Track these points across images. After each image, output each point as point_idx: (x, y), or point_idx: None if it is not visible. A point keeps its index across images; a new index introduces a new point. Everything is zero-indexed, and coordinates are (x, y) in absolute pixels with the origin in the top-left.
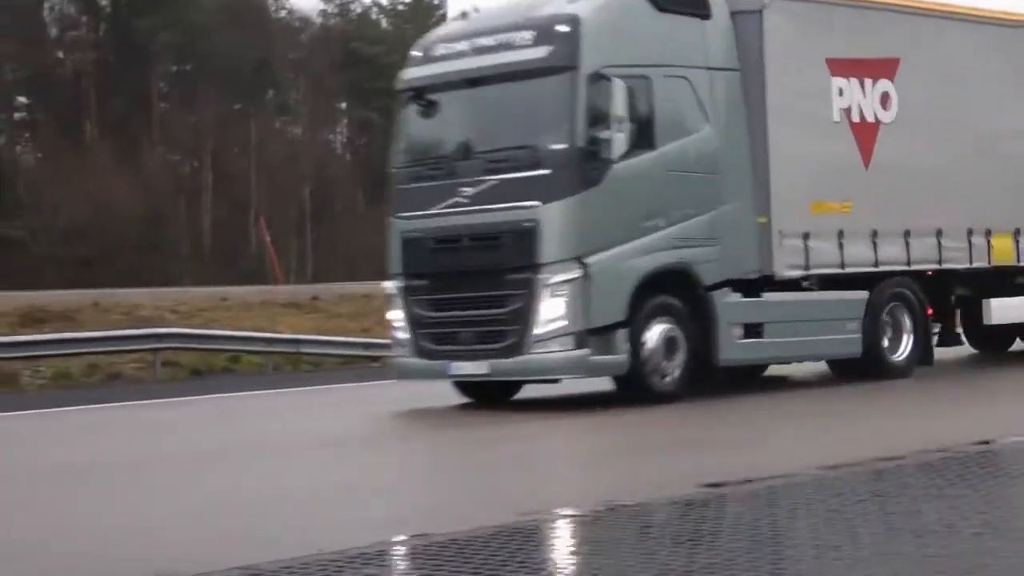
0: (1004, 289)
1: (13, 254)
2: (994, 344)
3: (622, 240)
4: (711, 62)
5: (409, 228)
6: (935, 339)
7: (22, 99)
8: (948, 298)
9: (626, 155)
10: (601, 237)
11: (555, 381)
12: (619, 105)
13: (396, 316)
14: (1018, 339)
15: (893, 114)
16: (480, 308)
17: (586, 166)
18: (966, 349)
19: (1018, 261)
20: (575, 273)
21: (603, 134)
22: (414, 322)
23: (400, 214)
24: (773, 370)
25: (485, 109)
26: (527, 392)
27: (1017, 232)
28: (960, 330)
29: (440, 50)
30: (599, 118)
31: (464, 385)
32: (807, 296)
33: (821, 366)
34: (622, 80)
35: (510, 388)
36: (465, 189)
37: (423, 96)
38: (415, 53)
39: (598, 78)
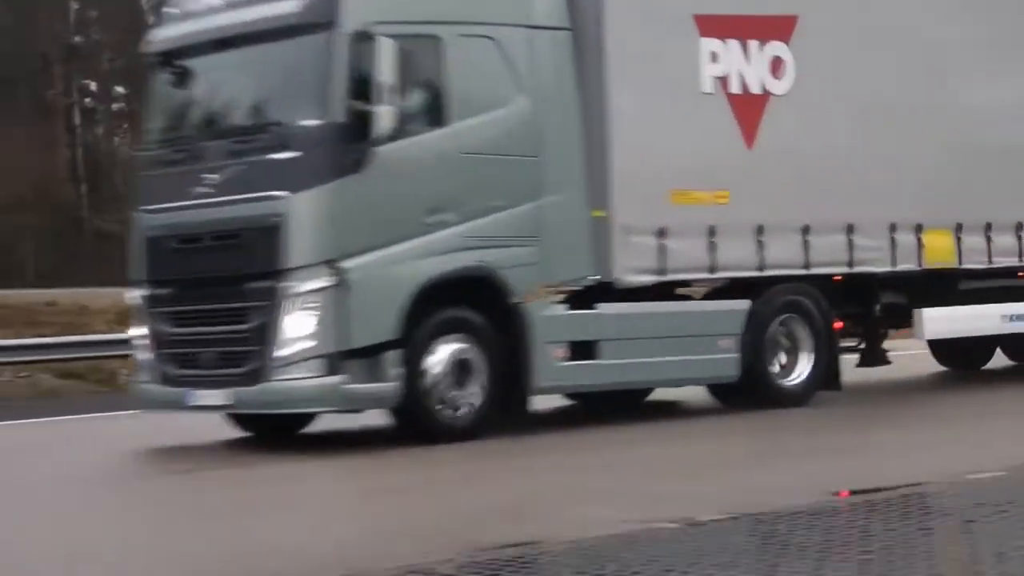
0: (945, 296)
1: (111, 247)
2: (967, 361)
3: (396, 239)
4: (531, 19)
5: (153, 224)
6: (859, 358)
7: (120, 89)
8: (872, 308)
9: (403, 134)
10: (365, 235)
11: (357, 412)
12: (387, 71)
13: (139, 333)
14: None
15: (788, 84)
16: (222, 324)
17: (345, 148)
18: (908, 368)
19: (960, 263)
20: (327, 280)
21: (368, 108)
22: (157, 340)
23: (144, 207)
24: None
25: (236, 77)
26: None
27: (959, 227)
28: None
29: (193, 5)
30: (365, 88)
31: (237, 415)
32: (662, 308)
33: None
34: (393, 40)
35: (300, 418)
36: (210, 176)
37: (172, 61)
38: (169, 10)
39: (364, 38)
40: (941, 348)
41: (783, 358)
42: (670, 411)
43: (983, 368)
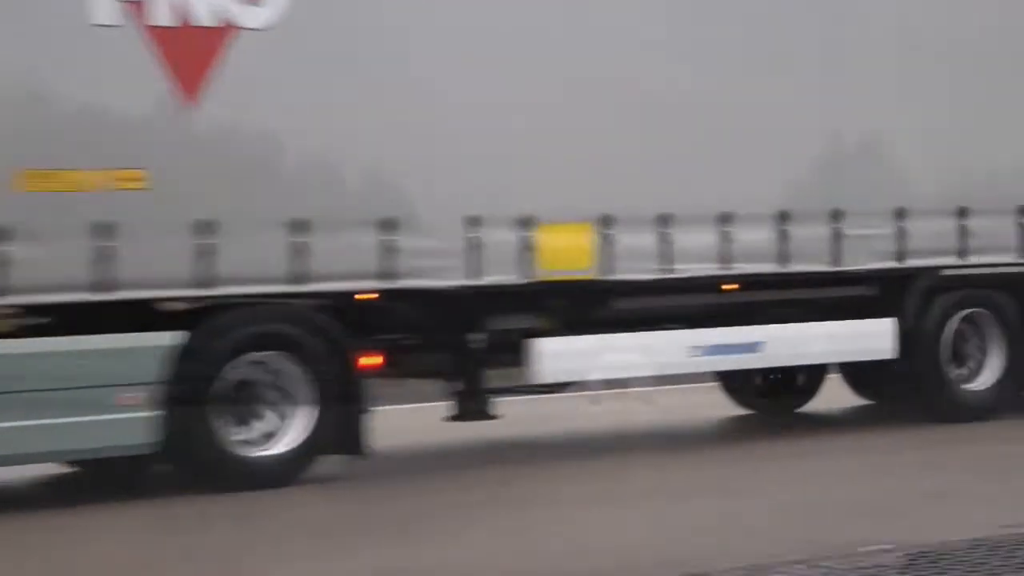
0: (596, 321)
1: None
2: (783, 399)
3: None
4: None
5: None
6: (454, 410)
7: None
8: (464, 338)
9: None
10: None
11: None
12: None
13: None
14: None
15: (272, 12)
16: None
17: None
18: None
19: (609, 272)
20: None
21: None
22: None
23: None
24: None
25: None
26: None
27: (605, 221)
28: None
29: None
30: None
31: None
32: None
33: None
34: None
35: None
36: None
37: None
38: None
39: None
40: (733, 382)
41: (271, 416)
42: None
43: (799, 411)
